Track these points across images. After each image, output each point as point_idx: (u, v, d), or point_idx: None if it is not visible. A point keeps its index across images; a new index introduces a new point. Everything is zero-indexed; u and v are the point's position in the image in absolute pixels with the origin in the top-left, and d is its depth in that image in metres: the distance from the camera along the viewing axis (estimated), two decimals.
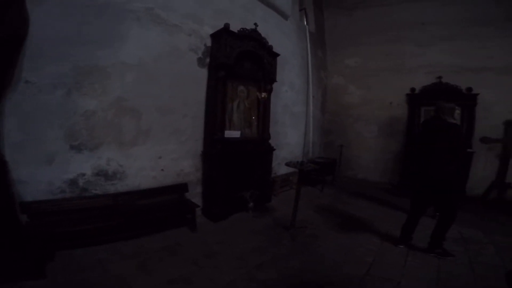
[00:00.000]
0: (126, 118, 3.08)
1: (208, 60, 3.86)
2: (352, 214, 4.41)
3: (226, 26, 3.58)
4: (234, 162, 3.91)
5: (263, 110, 4.50)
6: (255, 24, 4.08)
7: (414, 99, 6.52)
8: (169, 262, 2.62)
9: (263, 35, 4.20)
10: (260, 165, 4.38)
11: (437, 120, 3.08)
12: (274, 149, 4.58)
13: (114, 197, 2.99)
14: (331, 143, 7.62)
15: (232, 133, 4.01)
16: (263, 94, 4.39)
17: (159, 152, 3.39)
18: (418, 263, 2.84)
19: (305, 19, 6.79)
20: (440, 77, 6.23)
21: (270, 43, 4.33)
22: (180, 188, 3.59)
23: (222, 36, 3.61)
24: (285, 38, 5.70)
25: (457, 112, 3.27)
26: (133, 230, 2.95)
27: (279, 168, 5.42)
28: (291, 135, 5.88)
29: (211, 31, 3.81)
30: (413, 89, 6.53)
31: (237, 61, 3.84)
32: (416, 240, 3.30)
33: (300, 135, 6.44)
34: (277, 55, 4.50)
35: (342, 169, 7.16)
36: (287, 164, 3.54)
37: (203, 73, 3.86)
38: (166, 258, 2.69)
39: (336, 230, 3.69)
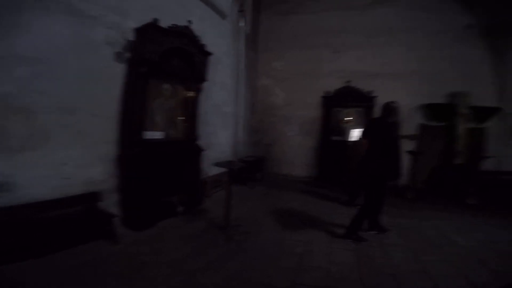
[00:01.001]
0: (14, 119, 2.49)
1: (128, 55, 3.48)
2: (280, 208, 4.69)
3: (154, 21, 3.37)
4: (157, 165, 3.63)
5: (192, 109, 4.34)
6: (189, 21, 3.94)
7: (328, 100, 7.37)
8: (90, 279, 2.29)
9: (197, 33, 4.07)
10: (189, 167, 4.21)
11: (378, 119, 3.56)
12: (204, 150, 4.47)
13: (5, 211, 2.40)
14: (259, 141, 7.94)
15: (153, 134, 3.72)
16: (191, 93, 4.22)
17: (61, 159, 2.86)
18: (341, 249, 3.16)
19: (244, 20, 6.84)
20: (349, 81, 7.22)
21: (204, 42, 4.22)
22: (91, 198, 3.13)
23: (148, 31, 3.36)
24: (220, 38, 5.64)
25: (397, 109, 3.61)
26: (37, 248, 2.45)
27: (210, 168, 5.30)
28: (221, 135, 5.85)
29: (136, 25, 3.48)
30: (327, 92, 7.36)
31: (164, 58, 3.60)
32: (338, 228, 3.74)
33: (230, 135, 6.46)
34: (210, 54, 4.41)
35: (270, 166, 7.54)
36: (216, 164, 3.50)
37: (121, 68, 3.45)
38: (85, 275, 2.33)
39: (269, 225, 3.85)
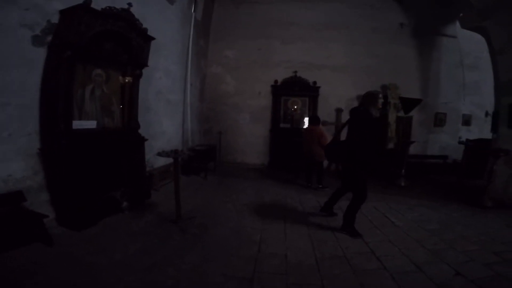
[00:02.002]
0: None
1: (50, 38, 3.01)
2: (235, 197, 4.68)
3: (87, 3, 2.99)
4: (92, 158, 3.26)
5: (129, 97, 3.96)
6: (129, 4, 3.61)
7: (277, 89, 7.55)
8: (28, 285, 1.98)
9: (138, 17, 3.75)
10: (130, 158, 3.89)
11: (356, 108, 3.46)
12: (146, 140, 4.17)
13: None
14: (210, 130, 7.77)
15: (84, 124, 3.30)
16: (127, 79, 3.85)
17: None
18: (295, 234, 3.26)
19: (193, 6, 6.43)
20: (295, 72, 7.47)
21: (146, 26, 3.91)
22: (12, 198, 2.67)
23: (77, 12, 2.95)
24: (166, 23, 5.26)
25: (380, 100, 3.33)
26: None
27: (157, 160, 5.01)
28: (167, 124, 5.52)
29: (62, 7, 3.02)
30: (276, 81, 7.52)
31: (95, 41, 3.23)
32: (291, 212, 3.87)
33: (178, 123, 6.17)
34: (152, 39, 4.11)
35: (222, 155, 7.47)
36: (159, 154, 3.30)
37: (40, 53, 2.97)
38: (23, 283, 2.01)
39: (224, 215, 3.80)
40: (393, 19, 7.52)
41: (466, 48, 7.67)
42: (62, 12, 3.06)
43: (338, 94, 7.45)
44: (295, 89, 7.43)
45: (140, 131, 4.15)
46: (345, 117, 7.37)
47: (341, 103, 7.45)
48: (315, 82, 7.34)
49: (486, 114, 7.74)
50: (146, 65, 4.12)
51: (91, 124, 3.47)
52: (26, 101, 2.89)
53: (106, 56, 3.60)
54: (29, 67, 2.90)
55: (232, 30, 7.79)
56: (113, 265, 2.39)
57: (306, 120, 7.46)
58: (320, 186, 5.33)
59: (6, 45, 2.67)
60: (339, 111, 7.40)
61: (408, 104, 7.20)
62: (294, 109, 7.56)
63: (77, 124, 3.23)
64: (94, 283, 2.14)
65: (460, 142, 7.11)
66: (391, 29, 7.51)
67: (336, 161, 3.77)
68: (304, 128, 5.66)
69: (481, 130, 7.58)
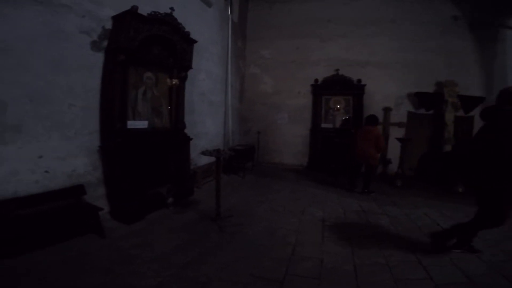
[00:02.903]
0: None
1: (105, 43, 3.35)
2: (271, 197, 4.68)
3: (134, 9, 3.23)
4: (143, 156, 3.55)
5: (176, 98, 4.23)
6: (171, 8, 3.83)
7: (317, 88, 7.33)
8: (76, 274, 2.22)
9: (180, 21, 3.96)
10: (176, 156, 4.15)
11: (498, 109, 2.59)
12: (191, 139, 4.40)
13: None
14: (249, 130, 7.88)
15: (137, 124, 3.61)
16: (174, 81, 4.11)
17: (37, 151, 2.75)
18: (333, 239, 3.08)
19: (229, 8, 6.69)
20: (337, 70, 7.17)
21: (188, 30, 4.12)
22: (74, 191, 3.04)
23: (126, 18, 3.22)
24: (205, 26, 5.50)
25: None
26: (18, 245, 2.37)
27: (200, 158, 5.27)
28: (209, 124, 5.77)
29: (113, 13, 3.34)
30: (316, 80, 7.31)
31: (144, 45, 3.49)
32: (329, 216, 3.73)
33: (220, 123, 6.40)
34: (194, 41, 4.32)
35: (260, 154, 7.53)
36: (203, 153, 3.45)
37: (98, 58, 3.32)
38: (71, 270, 2.26)
39: (260, 215, 3.82)
40: (445, 11, 6.73)
41: None
42: (114, 18, 3.34)
43: (385, 92, 6.94)
44: (337, 88, 7.13)
45: (185, 131, 4.39)
46: (393, 117, 6.87)
47: (389, 101, 6.93)
48: (359, 80, 6.95)
49: None
50: (190, 67, 4.33)
51: (143, 124, 3.76)
52: (90, 102, 3.26)
53: (154, 60, 3.85)
54: (90, 70, 3.23)
55: (268, 30, 7.80)
56: (153, 260, 2.54)
57: (343, 119, 7.14)
58: (366, 190, 5.02)
59: (69, 50, 2.98)
60: (387, 110, 6.89)
61: (469, 102, 6.39)
62: (337, 108, 7.26)
63: (131, 124, 3.52)
64: (133, 274, 2.29)
65: None
66: (443, 22, 6.73)
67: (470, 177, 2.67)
68: (359, 128, 5.27)
69: None
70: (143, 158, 3.56)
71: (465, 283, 2.25)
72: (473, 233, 2.74)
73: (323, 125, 7.29)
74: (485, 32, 6.63)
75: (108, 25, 3.36)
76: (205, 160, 5.22)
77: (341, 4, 7.24)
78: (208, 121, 5.68)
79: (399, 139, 5.92)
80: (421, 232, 3.34)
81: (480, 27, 6.63)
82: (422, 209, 4.15)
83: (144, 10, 3.41)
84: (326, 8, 7.34)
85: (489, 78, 6.68)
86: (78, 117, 3.13)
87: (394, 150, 6.39)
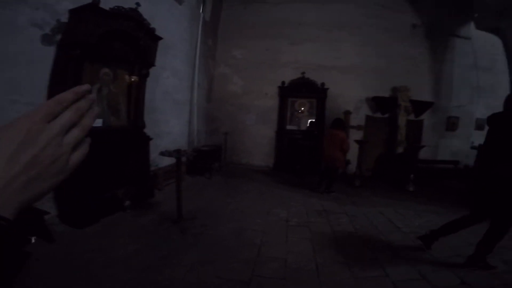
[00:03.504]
0: None
1: (59, 37, 3.09)
2: (239, 199, 4.66)
3: (95, 2, 3.05)
4: (97, 156, 3.30)
5: (136, 96, 4.01)
6: (137, 3, 3.68)
7: (284, 90, 7.49)
8: (21, 283, 1.97)
9: (147, 16, 3.81)
10: (135, 157, 3.93)
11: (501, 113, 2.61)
12: (151, 139, 4.20)
13: None
14: (217, 130, 7.76)
15: None
16: (133, 78, 3.89)
17: None
18: (296, 239, 3.20)
19: (202, 6, 6.52)
20: (303, 73, 7.38)
21: (154, 26, 3.97)
22: None
23: (85, 12, 3.03)
24: (174, 23, 5.33)
25: None
26: None
27: (162, 159, 5.03)
28: (173, 123, 5.56)
29: (72, 7, 3.10)
30: (283, 82, 7.45)
31: (104, 41, 3.29)
32: (294, 217, 3.79)
33: (184, 123, 6.21)
34: (159, 38, 4.16)
35: (228, 155, 7.46)
36: (162, 153, 3.32)
37: (49, 52, 3.05)
38: (16, 279, 1.99)
39: (227, 216, 3.78)
40: (405, 20, 7.33)
41: (481, 49, 7.39)
42: (71, 12, 3.12)
43: (346, 96, 7.32)
44: (303, 90, 7.35)
45: (146, 130, 4.19)
46: (353, 120, 7.28)
47: (349, 105, 7.33)
48: (323, 84, 7.24)
49: None
50: (153, 64, 4.17)
51: (97, 122, 3.50)
52: (35, 99, 2.95)
53: (114, 56, 3.64)
54: (38, 65, 2.96)
55: (240, 30, 7.76)
56: (111, 264, 2.39)
57: (309, 121, 7.40)
58: (327, 190, 5.23)
59: (16, 44, 2.73)
60: (347, 113, 7.28)
61: (419, 107, 7.02)
62: (301, 110, 7.49)
63: None
64: (89, 280, 2.14)
65: (472, 147, 6.86)
66: (403, 30, 7.32)
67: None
68: (326, 132, 5.48)
69: None
70: (97, 158, 3.30)
71: (419, 279, 2.41)
72: (490, 248, 2.59)
73: (289, 127, 7.47)
74: (438, 41, 7.32)
75: (65, 18, 3.12)
76: (168, 161, 5.01)
77: (314, 8, 7.46)
78: (171, 120, 5.47)
79: (357, 141, 6.28)
80: (377, 230, 3.55)
81: (434, 35, 7.31)
82: (378, 208, 4.43)
83: (107, 4, 3.23)
84: (299, 11, 7.51)
85: (438, 84, 7.41)
86: (20, 114, 2.79)
87: (353, 151, 6.74)
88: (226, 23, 7.88)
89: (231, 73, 7.96)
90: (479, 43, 7.28)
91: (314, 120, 7.37)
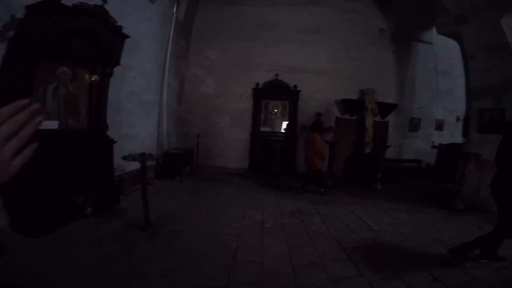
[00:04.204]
0: None
1: (12, 34, 2.82)
2: (211, 202, 4.51)
3: None
4: (52, 161, 3.01)
5: (98, 96, 3.72)
6: (104, 0, 3.54)
7: (258, 92, 7.49)
8: None
9: (115, 14, 3.61)
10: (96, 161, 3.64)
11: None
12: (115, 142, 3.92)
13: None
14: (188, 133, 7.54)
15: (44, 124, 3.02)
16: (94, 77, 3.61)
17: None
18: (271, 241, 3.15)
19: (175, 6, 6.29)
20: (277, 75, 7.44)
21: (122, 24, 3.76)
22: None
23: (43, 8, 2.80)
24: (145, 22, 5.11)
25: None
26: None
27: (128, 163, 4.72)
28: (140, 125, 5.25)
29: (30, 3, 2.85)
30: (257, 84, 7.45)
31: (63, 38, 3.07)
32: (268, 219, 3.74)
33: (153, 125, 5.92)
34: (126, 36, 3.93)
35: (200, 158, 7.25)
36: (125, 158, 3.09)
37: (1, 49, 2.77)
38: None
39: (199, 221, 3.64)
40: (374, 24, 7.70)
41: (441, 54, 8.01)
42: (28, 8, 2.87)
43: (318, 98, 7.50)
44: (276, 92, 7.41)
45: (109, 132, 3.91)
46: (324, 121, 7.41)
47: (320, 107, 7.50)
48: (295, 86, 7.34)
49: (457, 119, 8.11)
50: (118, 63, 3.91)
51: (52, 124, 3.20)
52: None
53: (74, 54, 3.39)
54: None
55: (215, 31, 7.64)
56: (72, 274, 2.18)
57: (284, 124, 7.46)
58: (300, 191, 5.28)
59: None
60: (319, 115, 7.44)
61: (385, 109, 7.38)
62: (275, 112, 7.53)
63: None
64: None
65: (433, 147, 7.37)
66: (371, 34, 7.67)
67: None
68: (306, 135, 5.65)
69: (453, 134, 7.93)
70: (53, 163, 3.02)
71: (391, 279, 2.44)
72: (498, 243, 2.71)
73: (263, 129, 7.47)
74: (403, 45, 7.78)
75: (21, 14, 2.85)
76: (135, 165, 4.72)
77: (288, 11, 7.57)
78: (138, 122, 5.18)
79: (327, 142, 6.43)
80: (349, 229, 3.62)
81: (399, 40, 7.74)
82: (349, 207, 4.55)
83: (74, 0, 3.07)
84: (275, 14, 7.58)
85: (402, 87, 7.86)
86: None
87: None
88: (201, 24, 7.72)
89: (204, 74, 7.79)
90: (439, 48, 7.88)
91: (288, 122, 7.44)
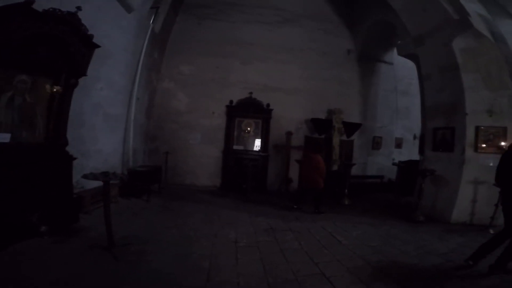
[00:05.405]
0: None
1: None
2: (181, 222, 4.29)
3: (29, 1, 2.65)
4: (2, 176, 2.72)
5: (58, 108, 3.45)
6: (78, 7, 3.30)
7: (232, 110, 7.52)
8: None
9: (88, 22, 3.45)
10: (52, 178, 3.32)
11: None
12: (75, 158, 3.62)
13: None
14: (157, 150, 7.24)
15: None
16: (55, 88, 3.36)
17: None
18: (246, 260, 3.06)
19: (153, 17, 6.20)
20: (251, 93, 7.56)
21: (94, 33, 3.58)
22: None
23: (11, 12, 2.61)
24: (118, 32, 4.95)
25: None
26: None
27: (89, 181, 4.38)
28: (104, 141, 4.93)
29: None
30: (231, 101, 7.50)
31: (27, 44, 2.87)
32: (243, 236, 3.64)
33: (118, 141, 5.59)
34: (96, 46, 3.73)
35: (169, 176, 6.94)
36: (86, 177, 2.88)
37: None
38: None
39: (168, 241, 3.43)
40: (342, 45, 8.21)
41: (400, 74, 8.78)
42: None
43: (289, 117, 7.73)
44: (250, 111, 7.49)
45: (69, 148, 3.61)
46: (294, 140, 7.64)
47: (291, 126, 7.73)
48: (268, 105, 7.51)
49: (414, 137, 8.86)
50: (84, 74, 3.69)
51: (3, 137, 2.88)
52: None
53: (37, 62, 3.14)
54: None
55: (191, 46, 7.61)
56: None
57: (257, 142, 7.52)
58: (317, 211, 5.27)
59: None
60: (289, 134, 7.65)
61: (350, 128, 7.83)
62: (248, 130, 7.58)
63: None
64: None
65: (393, 164, 7.92)
66: (339, 55, 8.17)
67: None
68: (305, 155, 5.88)
69: (411, 151, 8.57)
70: (3, 179, 2.73)
71: None
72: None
73: (235, 147, 7.45)
74: (367, 65, 8.35)
75: None
76: (96, 182, 4.39)
77: (265, 30, 7.82)
78: (102, 137, 4.86)
79: (297, 161, 6.59)
80: (320, 244, 3.66)
81: (365, 60, 8.31)
82: (319, 222, 4.63)
83: (42, 5, 2.88)
84: (251, 32, 7.76)
85: (365, 106, 8.40)
86: None
87: (294, 170, 7.06)
88: (177, 37, 7.66)
89: (176, 89, 7.67)
90: (399, 68, 8.65)
91: (260, 140, 7.52)
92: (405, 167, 7.03)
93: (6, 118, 2.93)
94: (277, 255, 3.25)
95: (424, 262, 3.17)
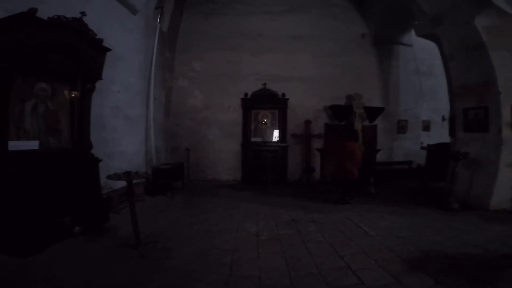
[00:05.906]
0: None
1: None
2: (204, 216, 4.37)
3: (31, 11, 2.71)
4: (34, 182, 2.90)
5: (80, 113, 3.59)
6: (82, 13, 3.36)
7: (247, 102, 7.46)
8: None
9: (94, 27, 3.51)
10: (81, 181, 3.48)
11: None
12: (100, 160, 3.77)
13: None
14: (178, 147, 7.39)
15: (23, 144, 2.91)
16: (74, 93, 3.48)
17: None
18: (268, 253, 3.03)
19: (159, 17, 6.28)
20: (265, 84, 7.44)
21: (103, 37, 3.65)
22: None
23: (16, 21, 2.71)
24: (127, 34, 5.04)
25: None
26: None
27: (116, 182, 4.57)
28: (126, 141, 5.09)
29: (4, 15, 2.77)
30: (246, 94, 7.44)
31: (39, 52, 2.97)
32: (263, 230, 3.62)
33: (140, 141, 5.76)
34: (107, 50, 3.81)
35: (191, 172, 7.09)
36: (110, 177, 2.97)
37: None
38: None
39: (192, 237, 3.49)
40: (355, 30, 7.86)
41: (421, 55, 8.21)
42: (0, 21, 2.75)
43: (305, 106, 7.53)
44: (265, 102, 7.39)
45: (93, 150, 3.76)
46: (313, 128, 7.46)
47: (309, 114, 7.53)
48: (283, 94, 7.37)
49: (443, 118, 8.28)
50: (100, 78, 3.80)
51: (33, 144, 3.06)
52: None
53: (52, 69, 3.26)
54: None
55: (200, 42, 7.62)
56: None
57: (275, 133, 7.42)
58: (341, 201, 5.15)
59: None
60: (307, 122, 7.46)
61: (372, 113, 7.46)
62: (265, 122, 7.50)
63: (14, 145, 2.82)
64: None
65: (422, 147, 7.46)
66: (353, 40, 7.82)
67: None
68: (339, 143, 5.57)
69: (439, 134, 8.02)
70: (35, 184, 2.90)
71: (393, 283, 2.36)
72: None
73: (253, 139, 7.41)
74: (384, 48, 7.94)
75: None
76: (122, 183, 4.56)
77: (272, 20, 7.64)
78: (124, 138, 5.02)
79: (318, 150, 6.41)
80: (346, 236, 3.53)
81: (381, 43, 7.90)
82: (343, 213, 4.48)
83: (50, 13, 2.98)
84: (258, 23, 7.63)
85: (386, 90, 7.99)
86: None
87: (316, 159, 6.90)
88: (185, 35, 7.69)
89: (190, 86, 7.73)
90: (419, 50, 8.09)
91: (278, 131, 7.41)
92: (435, 151, 6.60)
93: (32, 126, 3.09)
94: (300, 248, 3.18)
95: (460, 254, 2.94)
